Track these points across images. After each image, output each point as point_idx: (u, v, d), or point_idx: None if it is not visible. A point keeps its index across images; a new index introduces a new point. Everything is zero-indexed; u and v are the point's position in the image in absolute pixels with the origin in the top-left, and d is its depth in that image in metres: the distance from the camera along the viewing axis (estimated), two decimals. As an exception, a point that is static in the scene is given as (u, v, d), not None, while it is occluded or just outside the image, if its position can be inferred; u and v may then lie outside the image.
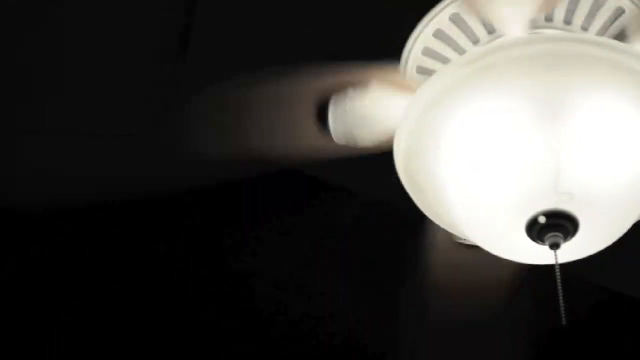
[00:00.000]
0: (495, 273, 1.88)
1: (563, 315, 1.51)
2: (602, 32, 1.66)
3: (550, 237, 1.54)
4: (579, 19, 1.66)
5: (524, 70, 1.52)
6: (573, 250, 1.60)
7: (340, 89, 1.70)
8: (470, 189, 1.59)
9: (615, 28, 1.66)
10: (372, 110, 1.69)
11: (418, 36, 1.68)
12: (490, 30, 1.67)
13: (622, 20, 1.65)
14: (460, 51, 1.68)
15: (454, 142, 1.59)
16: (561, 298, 1.51)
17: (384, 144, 1.71)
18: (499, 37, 1.65)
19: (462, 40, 1.68)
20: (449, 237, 1.82)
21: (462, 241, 1.82)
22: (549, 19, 1.67)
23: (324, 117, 1.71)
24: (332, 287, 2.88)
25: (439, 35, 1.67)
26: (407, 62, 1.70)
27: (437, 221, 1.74)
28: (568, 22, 1.66)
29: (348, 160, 1.76)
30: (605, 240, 1.64)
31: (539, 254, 1.59)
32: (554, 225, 1.53)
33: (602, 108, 1.53)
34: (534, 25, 1.66)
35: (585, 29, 1.66)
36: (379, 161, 1.75)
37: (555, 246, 1.54)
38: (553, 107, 1.53)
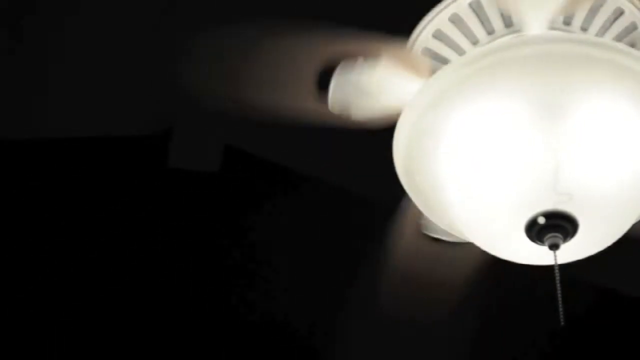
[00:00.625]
0: (457, 270, 1.87)
1: (561, 316, 1.51)
2: (602, 32, 1.66)
3: (550, 237, 1.54)
4: (578, 19, 1.66)
5: (523, 71, 1.52)
6: (572, 251, 1.60)
7: (350, 56, 1.67)
8: (469, 189, 1.59)
9: (597, 21, 1.65)
10: (376, 84, 1.67)
11: (417, 36, 1.68)
12: (490, 31, 1.67)
13: (632, 36, 1.65)
14: (460, 52, 1.68)
15: (454, 142, 1.59)
16: (560, 298, 1.51)
17: (375, 121, 1.69)
18: (498, 37, 1.66)
19: (462, 41, 1.68)
20: (416, 228, 1.81)
21: (429, 233, 1.81)
22: (568, 22, 1.66)
23: (326, 81, 1.69)
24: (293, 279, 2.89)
25: (439, 35, 1.67)
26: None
27: (436, 221, 1.74)
28: (567, 22, 1.66)
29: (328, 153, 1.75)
30: (605, 240, 1.64)
31: (538, 255, 1.59)
32: (553, 226, 1.53)
33: (602, 108, 1.53)
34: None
35: (584, 29, 1.66)
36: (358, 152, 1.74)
37: (554, 246, 1.54)
38: (552, 108, 1.53)
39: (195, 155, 2.77)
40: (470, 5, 1.64)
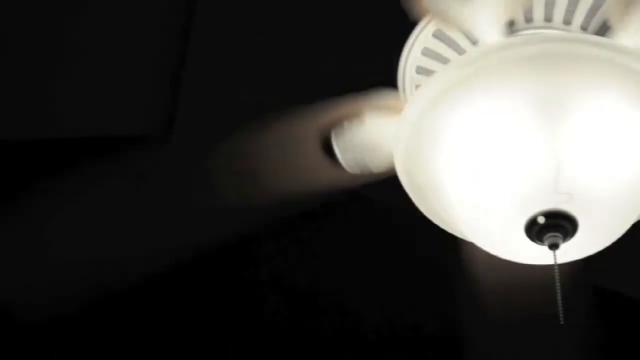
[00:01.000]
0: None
1: (561, 315, 1.51)
2: (602, 32, 1.66)
3: (549, 237, 1.54)
4: (578, 18, 1.66)
5: (523, 71, 1.53)
6: (572, 250, 1.60)
7: (337, 122, 1.71)
8: (469, 189, 1.59)
9: (596, 20, 1.65)
10: (372, 136, 1.71)
11: (418, 36, 1.68)
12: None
13: (603, 10, 1.64)
14: (460, 51, 1.68)
15: (454, 142, 1.59)
16: (560, 298, 1.51)
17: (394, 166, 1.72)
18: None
19: (462, 41, 1.68)
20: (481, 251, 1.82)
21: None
22: (549, 19, 1.67)
23: (332, 151, 1.72)
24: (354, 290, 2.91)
25: (439, 35, 1.68)
26: (406, 62, 1.70)
27: (437, 221, 1.74)
28: (567, 22, 1.66)
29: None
30: (605, 240, 1.64)
31: (538, 254, 1.59)
32: (553, 226, 1.53)
33: (601, 108, 1.53)
34: (534, 26, 1.66)
35: (584, 28, 1.66)
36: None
37: (554, 246, 1.54)
38: (552, 107, 1.53)
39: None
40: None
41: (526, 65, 1.52)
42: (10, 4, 2.41)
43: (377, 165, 1.74)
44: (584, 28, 1.66)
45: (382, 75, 1.74)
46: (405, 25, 1.68)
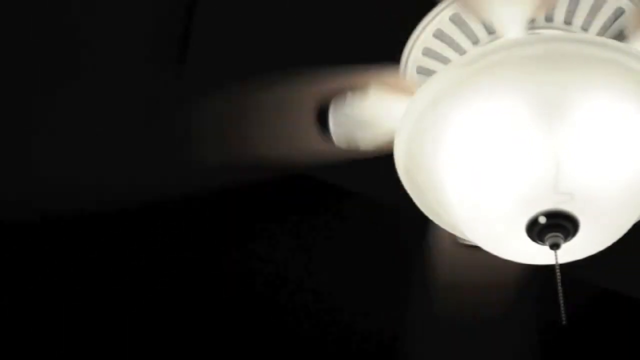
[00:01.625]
0: (499, 273, 1.88)
1: (563, 315, 1.51)
2: (602, 32, 1.66)
3: (550, 237, 1.54)
4: (579, 19, 1.66)
5: (523, 71, 1.52)
6: (573, 250, 1.60)
7: (339, 92, 1.70)
8: (470, 189, 1.59)
9: (614, 28, 1.66)
10: (372, 113, 1.70)
11: (418, 36, 1.68)
12: (491, 31, 1.67)
13: (621, 20, 1.65)
14: (460, 51, 1.68)
15: (454, 142, 1.59)
16: (561, 298, 1.51)
17: (384, 146, 1.71)
18: (499, 37, 1.65)
19: (462, 41, 1.68)
20: (452, 237, 1.82)
21: (463, 241, 1.82)
22: (549, 19, 1.67)
23: (325, 121, 1.71)
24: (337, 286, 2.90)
25: (439, 35, 1.67)
26: (406, 62, 1.70)
27: (437, 221, 1.74)
28: (568, 22, 1.66)
29: (349, 161, 1.76)
30: (605, 240, 1.63)
31: (539, 254, 1.59)
32: (554, 225, 1.53)
33: (602, 108, 1.53)
34: (534, 25, 1.66)
35: (585, 29, 1.66)
36: (379, 161, 1.75)
37: (555, 246, 1.54)
38: (553, 107, 1.53)
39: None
40: (451, 19, 1.65)
41: (526, 65, 1.52)
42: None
43: (366, 142, 1.72)
44: (584, 28, 1.66)
45: (390, 54, 1.73)
46: (405, 25, 1.68)
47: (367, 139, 1.72)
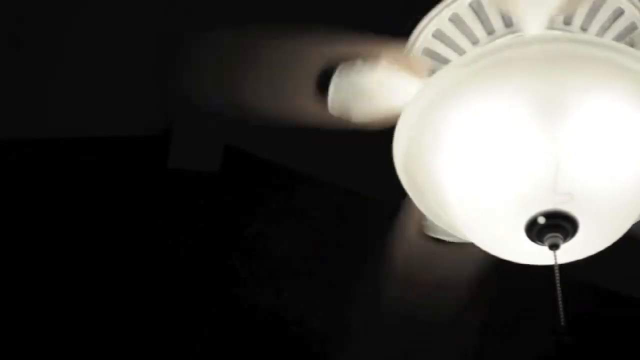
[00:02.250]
0: (460, 270, 1.87)
1: (562, 316, 1.51)
2: (602, 32, 1.66)
3: (550, 237, 1.53)
4: (578, 19, 1.66)
5: (523, 71, 1.52)
6: (572, 251, 1.60)
7: (349, 58, 1.67)
8: (469, 189, 1.59)
9: (597, 21, 1.65)
10: (376, 86, 1.67)
11: (417, 36, 1.67)
12: (490, 31, 1.67)
13: (632, 36, 1.65)
14: (460, 51, 1.68)
15: (454, 142, 1.59)
16: (560, 298, 1.51)
17: (375, 123, 1.69)
18: (498, 37, 1.66)
19: (462, 41, 1.67)
20: (418, 228, 1.81)
21: (430, 234, 1.81)
22: (568, 22, 1.66)
23: (326, 83, 1.69)
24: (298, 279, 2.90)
25: (439, 35, 1.67)
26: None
27: (436, 221, 1.74)
28: (567, 22, 1.66)
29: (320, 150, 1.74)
30: (605, 240, 1.63)
31: (538, 255, 1.58)
32: (553, 226, 1.53)
33: (601, 108, 1.53)
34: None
35: (584, 29, 1.66)
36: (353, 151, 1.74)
37: (554, 247, 1.54)
38: (552, 107, 1.53)
39: (195, 155, 2.77)
40: (470, 5, 1.64)
41: (526, 66, 1.52)
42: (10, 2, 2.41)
43: (359, 114, 1.70)
44: (584, 29, 1.66)
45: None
46: (405, 25, 1.68)
47: (363, 111, 1.69)
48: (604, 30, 1.66)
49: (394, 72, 1.66)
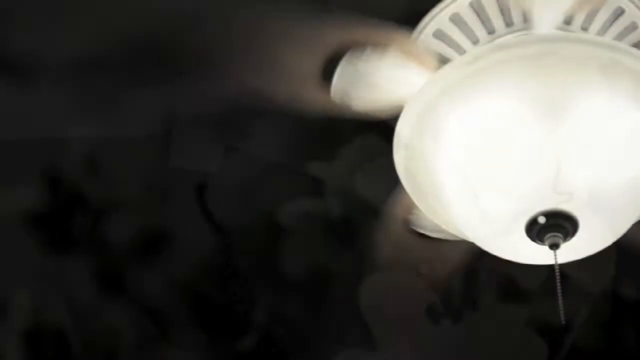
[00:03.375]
0: (444, 265, 1.88)
1: (562, 315, 1.51)
2: (602, 31, 1.66)
3: (550, 237, 1.54)
4: (578, 18, 1.66)
5: (523, 71, 1.52)
6: (573, 250, 1.60)
7: (357, 45, 1.66)
8: (469, 188, 1.59)
9: (597, 21, 1.65)
10: (381, 75, 1.66)
11: (417, 36, 1.68)
12: (490, 31, 1.67)
13: (633, 35, 1.65)
14: (460, 51, 1.68)
15: (454, 142, 1.59)
16: (560, 298, 1.52)
17: (377, 112, 1.68)
18: (499, 37, 1.66)
19: (462, 41, 1.68)
20: (404, 223, 1.81)
21: (417, 229, 1.81)
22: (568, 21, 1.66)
23: (332, 68, 1.67)
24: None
25: (439, 35, 1.67)
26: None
27: (436, 221, 1.74)
28: (567, 22, 1.66)
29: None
30: (605, 240, 1.64)
31: (538, 254, 1.59)
32: (554, 225, 1.53)
33: (602, 108, 1.53)
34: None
35: (584, 28, 1.66)
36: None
37: (554, 246, 1.54)
38: (552, 107, 1.53)
39: (195, 155, 2.77)
40: (470, 4, 1.64)
41: (526, 66, 1.52)
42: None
43: (361, 103, 1.68)
44: (584, 28, 1.66)
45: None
46: (405, 25, 1.68)
47: (365, 100, 1.68)
48: (604, 30, 1.66)
49: (401, 63, 1.65)
